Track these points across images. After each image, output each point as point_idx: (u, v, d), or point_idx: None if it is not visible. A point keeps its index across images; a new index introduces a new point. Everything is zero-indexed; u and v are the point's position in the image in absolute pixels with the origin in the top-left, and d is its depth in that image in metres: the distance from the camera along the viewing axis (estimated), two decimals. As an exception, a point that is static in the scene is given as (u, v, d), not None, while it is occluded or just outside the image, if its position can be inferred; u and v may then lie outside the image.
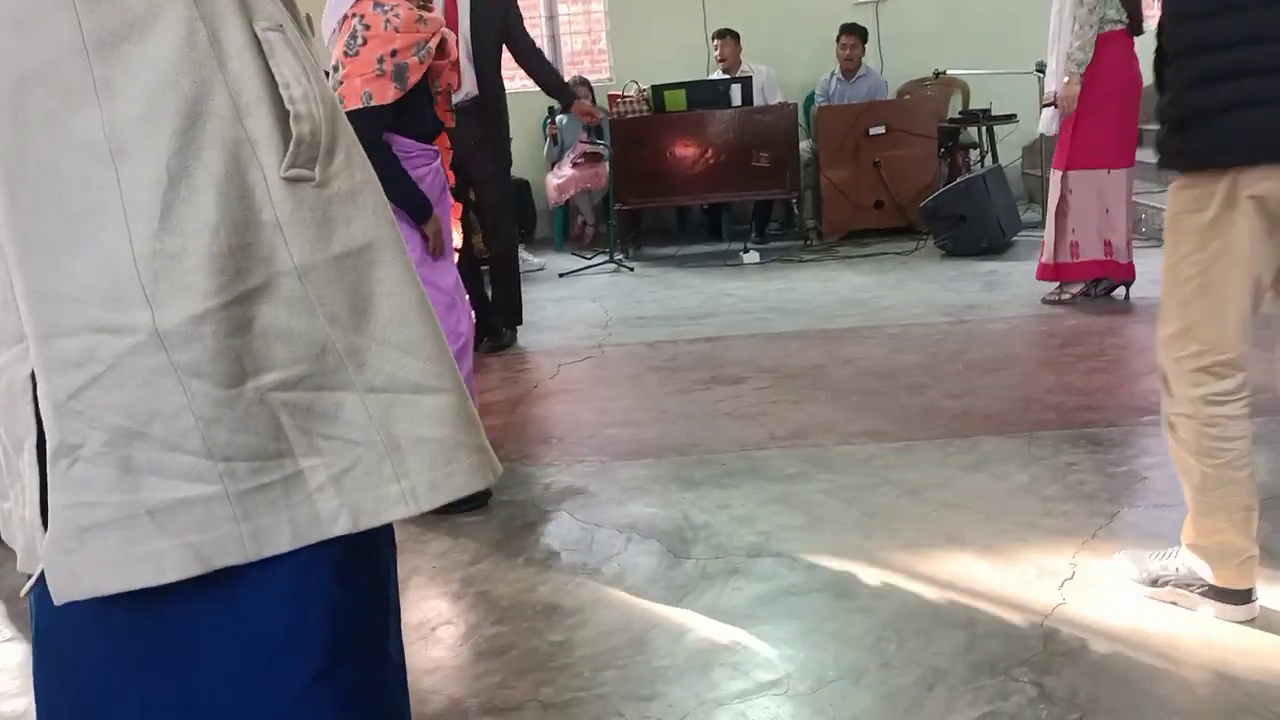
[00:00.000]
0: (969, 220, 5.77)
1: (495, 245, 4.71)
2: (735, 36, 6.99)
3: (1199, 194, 1.90)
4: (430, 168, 2.74)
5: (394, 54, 2.55)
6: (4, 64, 0.95)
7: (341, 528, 1.01)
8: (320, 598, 1.04)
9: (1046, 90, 4.55)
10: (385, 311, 1.03)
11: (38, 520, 1.01)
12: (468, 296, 3.53)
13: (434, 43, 2.64)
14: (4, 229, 0.96)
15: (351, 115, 2.32)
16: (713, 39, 7.06)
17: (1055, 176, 4.47)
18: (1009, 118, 6.70)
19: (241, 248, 0.96)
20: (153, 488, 0.97)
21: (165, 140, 0.94)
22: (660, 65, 7.19)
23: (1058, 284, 4.60)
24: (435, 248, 2.74)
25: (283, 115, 0.98)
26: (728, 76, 6.78)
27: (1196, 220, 1.89)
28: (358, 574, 1.07)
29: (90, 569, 0.98)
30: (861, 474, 2.86)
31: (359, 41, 2.54)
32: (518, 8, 4.61)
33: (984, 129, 6.82)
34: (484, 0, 4.43)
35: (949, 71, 6.60)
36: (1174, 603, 2.06)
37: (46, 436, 0.98)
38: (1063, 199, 4.41)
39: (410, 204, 2.63)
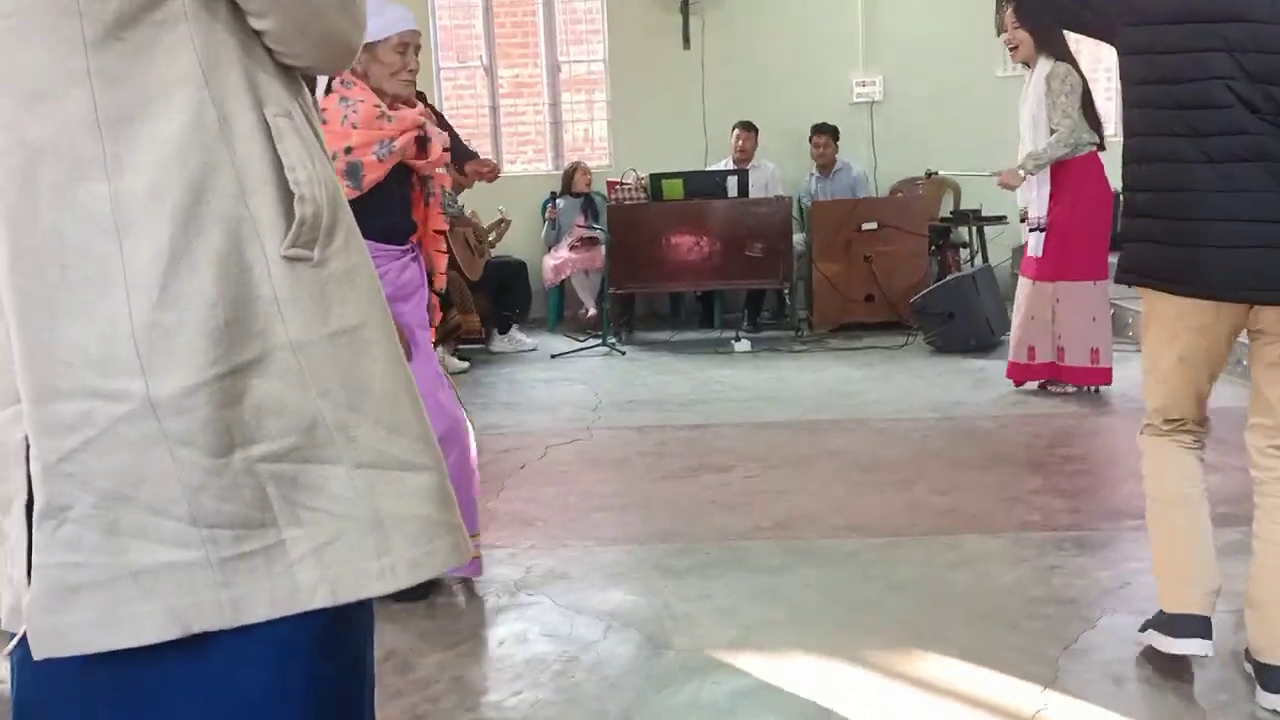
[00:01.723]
0: (958, 318, 5.84)
1: None
2: (754, 130, 7.17)
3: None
4: (394, 265, 2.61)
5: (349, 151, 2.47)
6: (21, 135, 0.98)
7: (320, 600, 1.02)
8: (299, 668, 1.05)
9: (1022, 205, 4.70)
10: (377, 390, 1.05)
11: (24, 580, 1.02)
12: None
13: (402, 141, 2.55)
14: (6, 292, 0.99)
15: None
16: (733, 130, 7.23)
17: (1043, 287, 4.60)
18: (999, 219, 6.82)
19: (238, 322, 0.99)
20: (138, 551, 0.99)
21: (169, 216, 0.97)
22: (659, 154, 7.34)
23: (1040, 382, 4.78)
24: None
25: (286, 196, 1.01)
26: (735, 168, 6.92)
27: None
28: (337, 647, 1.08)
29: (73, 628, 1.00)
30: (845, 568, 2.85)
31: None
32: None
33: (974, 229, 6.94)
34: None
35: (941, 172, 6.74)
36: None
37: (35, 497, 1.00)
38: (1051, 308, 4.57)
39: None
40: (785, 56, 7.58)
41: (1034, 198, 4.57)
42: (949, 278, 6.22)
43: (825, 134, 7.24)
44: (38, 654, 0.99)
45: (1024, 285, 4.70)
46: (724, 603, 2.65)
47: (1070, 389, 4.78)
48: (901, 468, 3.76)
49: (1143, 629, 2.31)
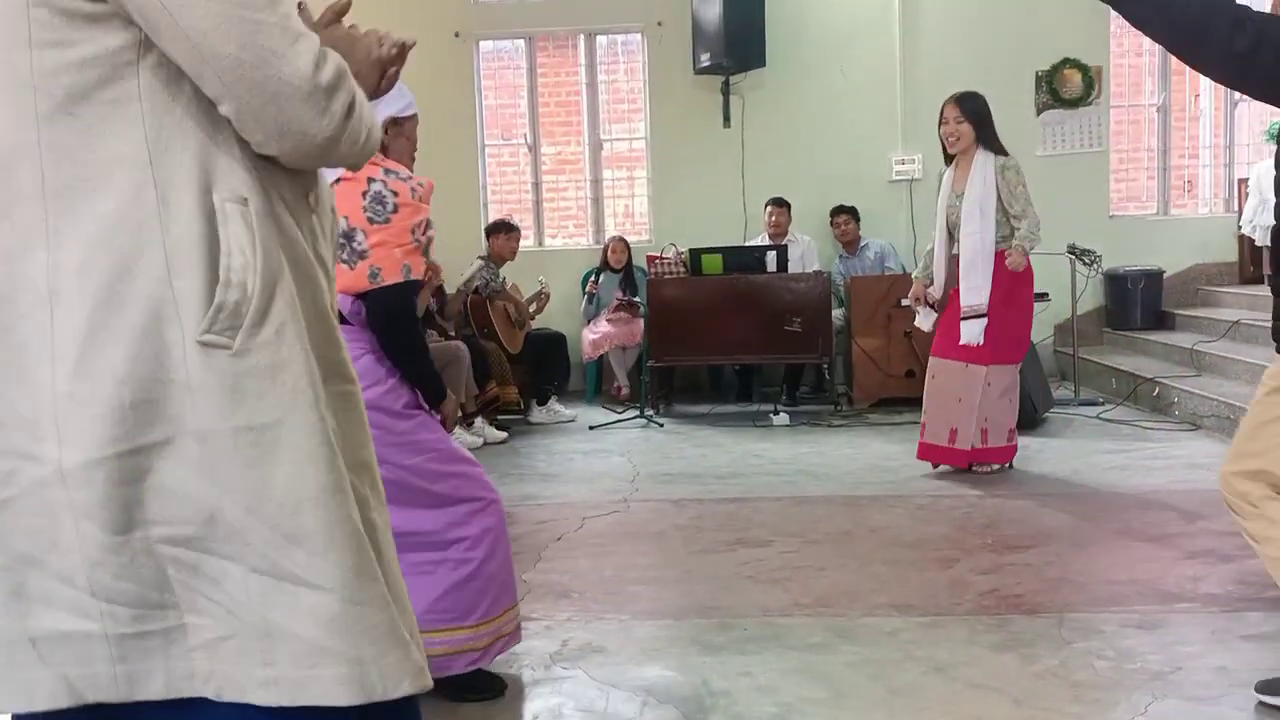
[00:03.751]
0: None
1: None
2: (787, 206, 7.27)
3: None
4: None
5: (424, 226, 2.42)
6: None
7: (208, 692, 1.01)
8: None
9: (966, 299, 4.66)
10: (279, 495, 1.01)
11: None
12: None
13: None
14: None
15: (390, 290, 2.31)
16: (766, 206, 7.31)
17: (976, 370, 4.61)
18: (1041, 296, 6.78)
19: (146, 403, 0.98)
20: (39, 616, 1.00)
21: (93, 291, 0.98)
22: (698, 229, 7.42)
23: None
24: (451, 427, 2.55)
25: (213, 280, 1.00)
26: (771, 243, 6.98)
27: None
28: None
29: None
30: (887, 648, 2.79)
31: (389, 208, 2.35)
32: None
33: (1016, 306, 6.90)
34: None
35: (981, 249, 6.73)
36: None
37: None
38: (982, 390, 4.63)
39: (431, 385, 2.44)
40: (825, 135, 7.68)
41: (976, 284, 4.58)
42: (990, 354, 6.17)
43: (845, 214, 7.38)
44: None
45: (953, 368, 4.67)
46: (763, 680, 2.60)
47: (994, 468, 4.76)
48: (944, 545, 3.70)
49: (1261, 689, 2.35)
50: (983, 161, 4.60)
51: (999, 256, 4.57)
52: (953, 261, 4.73)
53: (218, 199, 1.01)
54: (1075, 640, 2.80)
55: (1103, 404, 6.34)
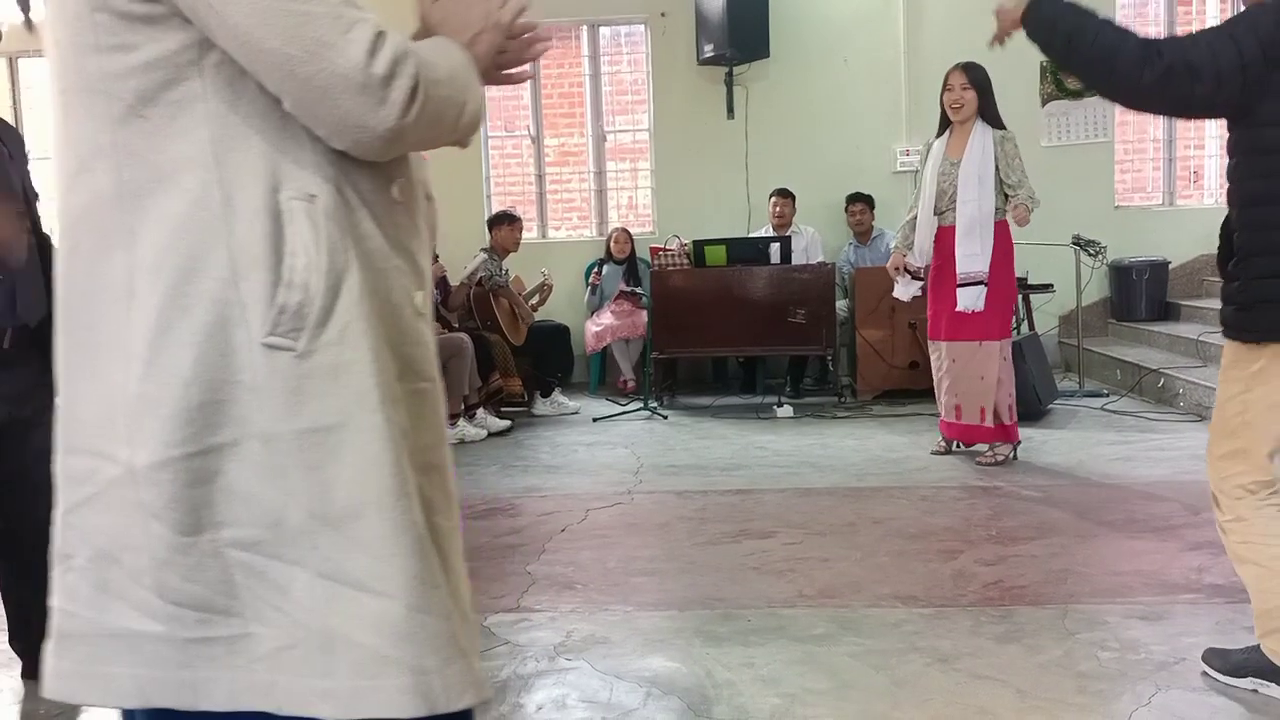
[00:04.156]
0: (1004, 385, 5.77)
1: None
2: (791, 197, 7.25)
3: (1249, 354, 2.29)
4: None
5: None
6: (67, 205, 1.04)
7: (269, 705, 1.00)
8: None
9: (963, 266, 4.69)
10: (342, 498, 0.99)
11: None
12: None
13: None
14: (59, 349, 1.05)
15: None
16: (770, 197, 7.30)
17: (991, 347, 4.65)
18: (1045, 287, 6.78)
19: (213, 404, 0.97)
20: (118, 614, 1.00)
21: (162, 292, 0.98)
22: (702, 221, 7.41)
23: (989, 446, 4.80)
24: None
25: (276, 281, 0.99)
26: (774, 235, 6.96)
27: (1243, 372, 2.31)
28: None
29: (60, 675, 1.03)
30: (890, 639, 2.79)
31: None
32: None
33: (1020, 296, 6.89)
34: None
35: (985, 240, 6.71)
36: (1254, 690, 2.37)
37: (55, 542, 1.05)
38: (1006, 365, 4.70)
39: None
40: (829, 126, 7.66)
41: (975, 251, 4.61)
42: (994, 345, 6.16)
43: (861, 203, 7.32)
44: (42, 692, 1.03)
45: (967, 348, 4.68)
46: (766, 671, 2.61)
47: (1001, 456, 4.77)
48: (948, 536, 3.70)
49: (1241, 674, 2.41)
50: (981, 131, 4.65)
51: (999, 226, 4.62)
52: (943, 233, 4.73)
53: (284, 197, 1.00)
54: (1079, 631, 2.80)
55: (1107, 395, 6.33)
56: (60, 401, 1.04)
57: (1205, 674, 2.47)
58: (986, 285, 4.60)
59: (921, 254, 4.83)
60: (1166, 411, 5.81)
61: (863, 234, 7.35)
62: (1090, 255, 6.66)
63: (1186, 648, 2.65)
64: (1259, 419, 2.29)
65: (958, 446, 5.02)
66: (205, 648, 0.99)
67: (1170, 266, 7.48)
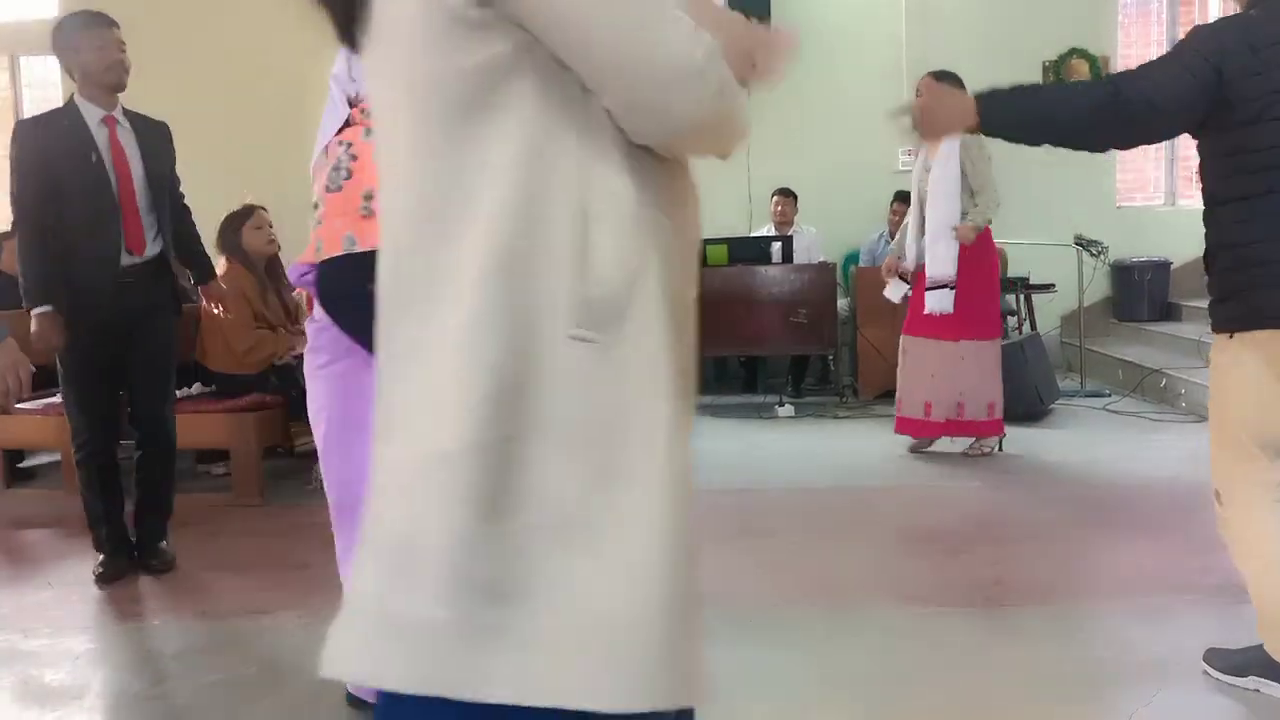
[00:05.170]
0: (1006, 386, 5.75)
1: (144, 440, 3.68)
2: (794, 197, 7.24)
3: (1226, 345, 2.35)
4: None
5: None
6: (388, 205, 1.10)
7: (551, 701, 0.99)
8: None
9: (931, 269, 4.80)
10: (634, 488, 1.03)
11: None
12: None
13: None
14: (381, 340, 1.09)
15: (329, 264, 2.18)
16: (772, 196, 7.29)
17: (948, 346, 4.77)
18: (1047, 287, 6.78)
19: (518, 393, 1.01)
20: (406, 595, 1.01)
21: (475, 287, 1.02)
22: (703, 220, 7.38)
23: (975, 439, 4.91)
24: None
25: (584, 277, 1.03)
26: (776, 234, 6.96)
27: (1223, 359, 2.37)
28: None
29: (341, 651, 1.04)
30: (891, 638, 2.79)
31: (343, 174, 2.16)
32: (174, 151, 3.71)
33: (1022, 297, 6.89)
34: (154, 137, 3.59)
35: (987, 240, 6.71)
36: (1256, 690, 2.38)
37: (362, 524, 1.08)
38: (962, 365, 4.80)
39: None
40: (831, 125, 7.66)
41: (940, 255, 4.69)
42: (996, 345, 6.16)
43: (906, 202, 7.24)
44: (322, 670, 1.04)
45: (924, 344, 4.84)
46: (765, 670, 2.60)
47: (987, 449, 4.91)
48: (949, 536, 3.69)
49: (1244, 674, 2.43)
50: (952, 137, 4.67)
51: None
52: (925, 236, 4.84)
53: (593, 195, 1.04)
54: (1080, 631, 2.79)
55: (1109, 395, 6.33)
56: (380, 390, 1.08)
57: (1206, 674, 2.46)
58: (954, 288, 4.68)
59: (911, 259, 4.95)
60: (1168, 412, 5.81)
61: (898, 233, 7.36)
62: (1092, 255, 6.66)
63: (1188, 648, 2.64)
64: (1240, 408, 2.35)
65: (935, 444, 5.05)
66: (493, 637, 0.99)
67: (1172, 267, 7.48)
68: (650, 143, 1.07)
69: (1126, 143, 2.45)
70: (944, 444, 5.02)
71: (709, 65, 1.04)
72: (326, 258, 2.17)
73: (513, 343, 1.01)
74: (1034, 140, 2.36)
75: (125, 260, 3.43)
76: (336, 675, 1.03)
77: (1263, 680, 2.39)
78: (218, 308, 3.98)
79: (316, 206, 2.21)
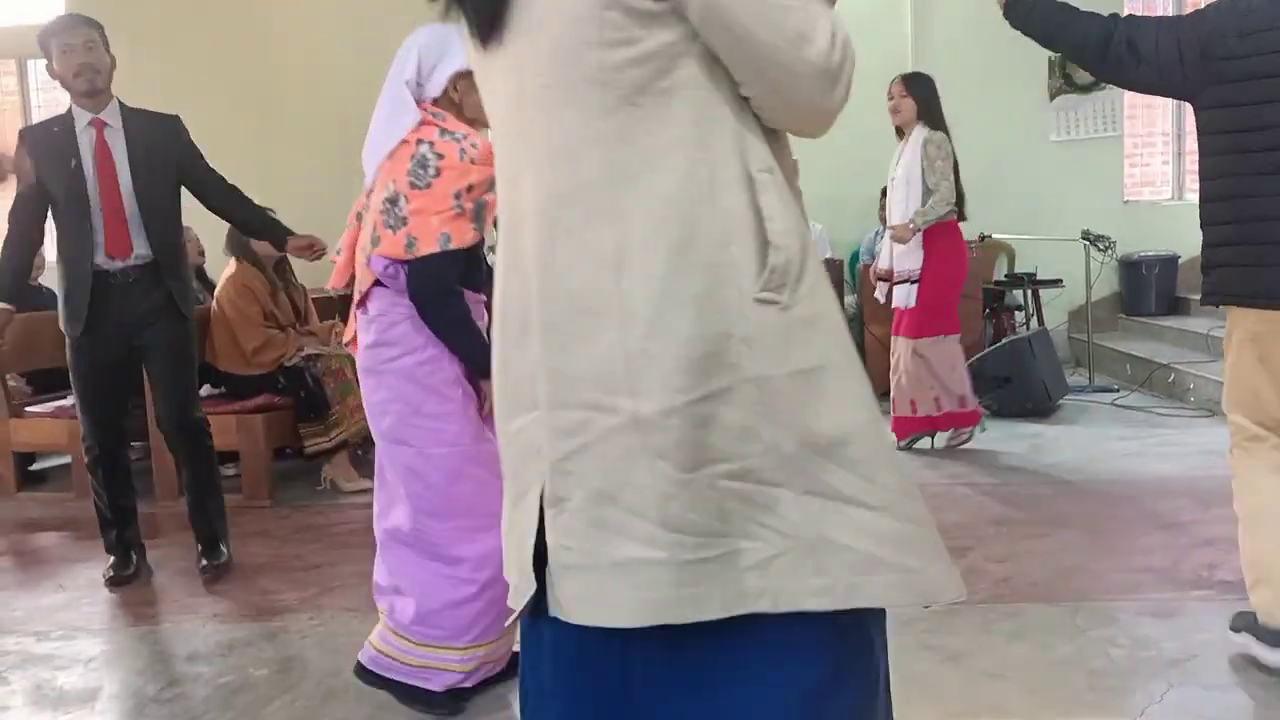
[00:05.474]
0: (1014, 382, 5.75)
1: (171, 441, 3.72)
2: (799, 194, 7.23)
3: (1228, 317, 2.53)
4: (484, 321, 2.36)
5: (470, 189, 2.23)
6: (546, 185, 1.13)
7: (762, 606, 1.11)
8: (836, 672, 1.17)
9: (897, 265, 4.89)
10: (828, 429, 1.11)
11: (528, 562, 1.18)
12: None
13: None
14: (535, 317, 1.14)
15: (425, 260, 2.23)
16: None
17: (907, 344, 4.84)
18: (1055, 282, 6.76)
19: (711, 355, 1.09)
20: (617, 545, 1.11)
21: (660, 260, 1.08)
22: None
23: (953, 430, 4.95)
24: (489, 409, 2.30)
25: (763, 245, 1.11)
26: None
27: (1226, 330, 2.56)
28: (866, 665, 1.23)
29: (568, 599, 1.14)
30: (901, 637, 2.78)
31: (430, 172, 2.22)
32: (192, 142, 3.64)
33: (1029, 292, 6.87)
34: (156, 135, 3.54)
35: (995, 236, 6.71)
36: (1243, 648, 2.50)
37: (545, 488, 1.15)
38: (923, 361, 4.83)
39: (479, 361, 2.21)
40: (838, 122, 7.58)
41: (903, 252, 4.77)
42: (1004, 341, 6.15)
43: None
44: (558, 614, 1.15)
45: (898, 344, 4.91)
46: (776, 669, 2.60)
47: (965, 437, 4.97)
48: (958, 534, 3.69)
49: (1235, 628, 2.54)
50: (917, 136, 4.80)
51: (935, 226, 4.73)
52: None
53: (754, 170, 1.12)
54: (1090, 628, 2.79)
55: (1118, 390, 6.31)
56: (546, 362, 1.14)
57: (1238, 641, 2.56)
58: (917, 283, 4.73)
59: (883, 257, 5.05)
60: (1177, 406, 5.79)
61: None
62: (1100, 250, 6.64)
63: (1198, 644, 2.64)
64: (1232, 372, 2.53)
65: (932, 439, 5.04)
66: (703, 566, 1.10)
67: (1180, 261, 7.45)
68: (781, 128, 1.17)
69: (1113, 79, 2.62)
70: (923, 441, 5.00)
71: (845, 65, 1.13)
72: (422, 254, 2.22)
73: (703, 310, 1.08)
74: (1044, 44, 2.64)
75: (105, 264, 3.40)
76: (568, 619, 1.13)
77: (1250, 638, 2.47)
78: (317, 256, 3.62)
79: (395, 202, 2.24)
